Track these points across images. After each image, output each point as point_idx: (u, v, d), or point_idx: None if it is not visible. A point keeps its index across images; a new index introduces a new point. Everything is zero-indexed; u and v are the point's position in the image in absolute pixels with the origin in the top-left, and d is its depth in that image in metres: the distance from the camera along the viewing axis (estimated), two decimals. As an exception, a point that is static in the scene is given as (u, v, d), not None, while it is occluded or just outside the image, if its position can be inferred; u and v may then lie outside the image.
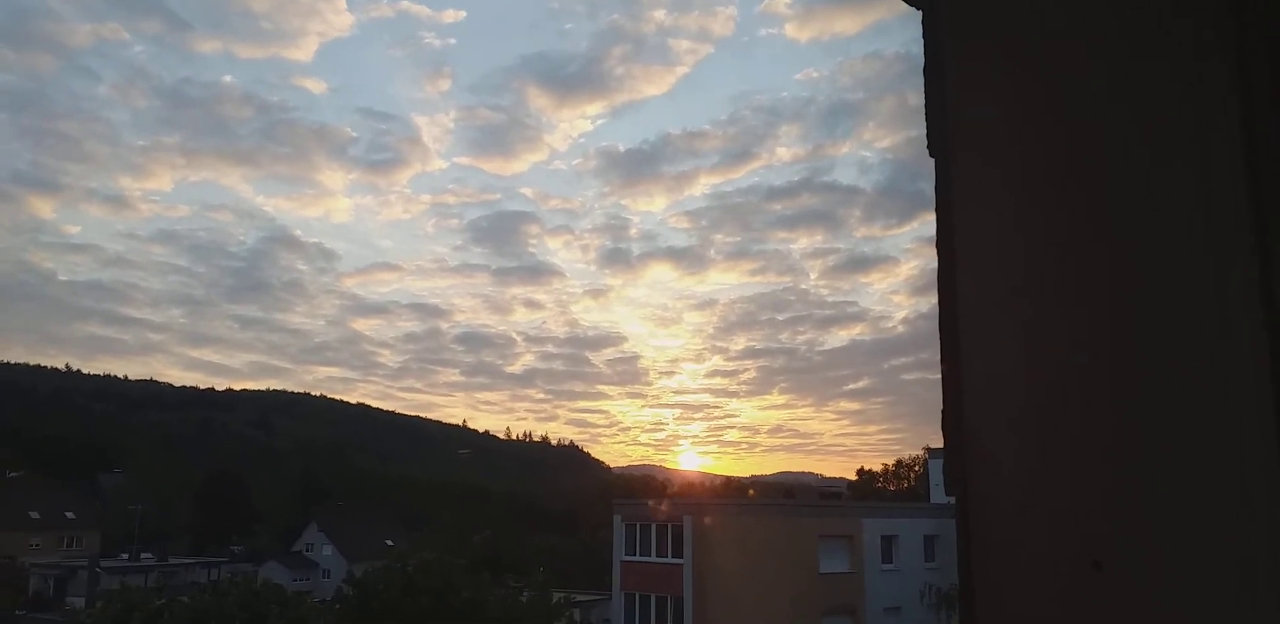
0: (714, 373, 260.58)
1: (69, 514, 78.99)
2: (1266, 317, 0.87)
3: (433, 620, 27.96)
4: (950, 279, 1.09)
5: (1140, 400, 0.92)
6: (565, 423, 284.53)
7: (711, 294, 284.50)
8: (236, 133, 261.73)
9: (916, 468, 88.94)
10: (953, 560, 1.06)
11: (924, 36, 1.20)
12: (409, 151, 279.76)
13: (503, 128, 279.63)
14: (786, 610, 33.33)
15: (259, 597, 26.13)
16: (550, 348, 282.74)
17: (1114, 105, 0.99)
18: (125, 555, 71.73)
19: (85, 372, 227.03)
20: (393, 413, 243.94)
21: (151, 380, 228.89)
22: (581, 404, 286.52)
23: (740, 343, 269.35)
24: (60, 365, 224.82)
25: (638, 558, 36.25)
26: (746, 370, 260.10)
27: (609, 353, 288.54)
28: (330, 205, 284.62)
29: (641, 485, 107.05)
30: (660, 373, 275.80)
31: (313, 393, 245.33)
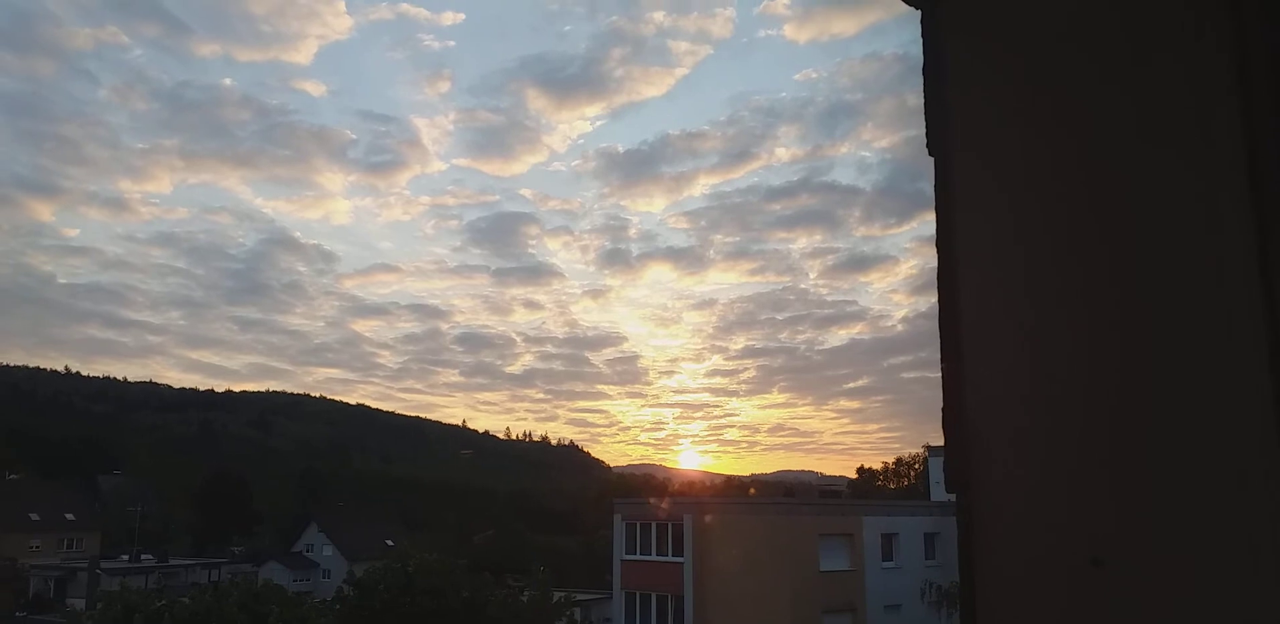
0: (714, 372, 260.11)
1: (69, 516, 78.81)
2: (1267, 314, 0.87)
3: (433, 620, 27.97)
4: (950, 278, 1.09)
5: (1141, 398, 0.93)
6: (565, 423, 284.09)
7: (711, 294, 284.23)
8: (236, 135, 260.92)
9: (917, 466, 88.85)
10: (953, 558, 1.07)
11: (923, 36, 1.20)
12: (408, 153, 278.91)
13: (502, 129, 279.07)
14: (787, 608, 33.33)
15: (259, 597, 26.19)
16: (550, 348, 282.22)
17: (1114, 105, 1.00)
18: (125, 557, 71.78)
19: (85, 374, 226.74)
20: (392, 413, 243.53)
21: (151, 382, 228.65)
22: (581, 404, 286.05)
23: (740, 342, 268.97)
24: (60, 367, 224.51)
25: (638, 557, 36.25)
26: (746, 369, 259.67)
27: (609, 353, 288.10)
28: (330, 207, 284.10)
29: (641, 485, 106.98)
30: (660, 372, 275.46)
31: (312, 394, 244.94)
